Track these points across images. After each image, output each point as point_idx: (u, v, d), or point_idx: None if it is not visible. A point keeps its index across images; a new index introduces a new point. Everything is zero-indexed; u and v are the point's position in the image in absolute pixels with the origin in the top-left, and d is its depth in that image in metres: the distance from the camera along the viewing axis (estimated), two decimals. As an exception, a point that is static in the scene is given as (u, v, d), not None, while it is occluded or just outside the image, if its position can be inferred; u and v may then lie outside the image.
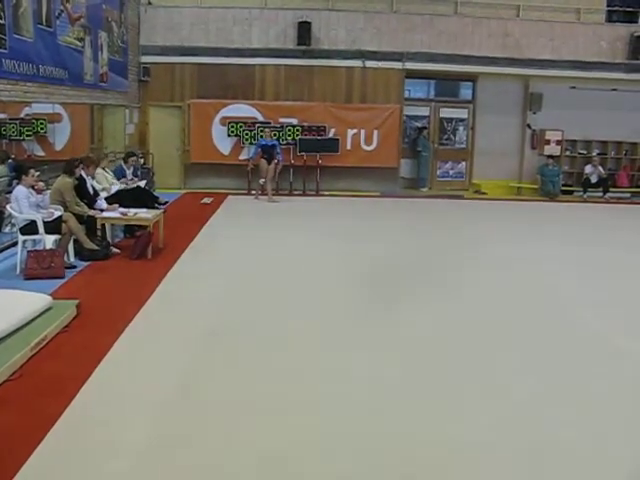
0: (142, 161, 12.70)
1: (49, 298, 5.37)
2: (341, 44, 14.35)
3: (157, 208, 9.13)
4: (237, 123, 14.10)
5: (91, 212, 7.77)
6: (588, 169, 15.20)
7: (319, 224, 10.71)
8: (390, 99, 14.59)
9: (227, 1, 14.07)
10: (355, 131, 14.43)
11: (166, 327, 5.34)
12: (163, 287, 6.50)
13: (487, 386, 4.36)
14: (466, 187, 15.78)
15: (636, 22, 15.28)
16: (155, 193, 10.86)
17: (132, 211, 8.07)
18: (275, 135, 13.66)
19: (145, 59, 14.16)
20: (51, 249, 6.83)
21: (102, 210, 7.99)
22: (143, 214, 8.14)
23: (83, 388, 4.06)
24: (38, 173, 7.28)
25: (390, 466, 3.32)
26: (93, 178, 8.50)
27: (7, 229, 7.90)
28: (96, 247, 7.51)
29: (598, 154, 15.62)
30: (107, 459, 3.29)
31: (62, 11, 9.69)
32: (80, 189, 7.89)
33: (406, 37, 14.32)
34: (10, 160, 8.84)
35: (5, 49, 7.84)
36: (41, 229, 6.98)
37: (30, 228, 7.01)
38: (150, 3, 14.18)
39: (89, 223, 7.71)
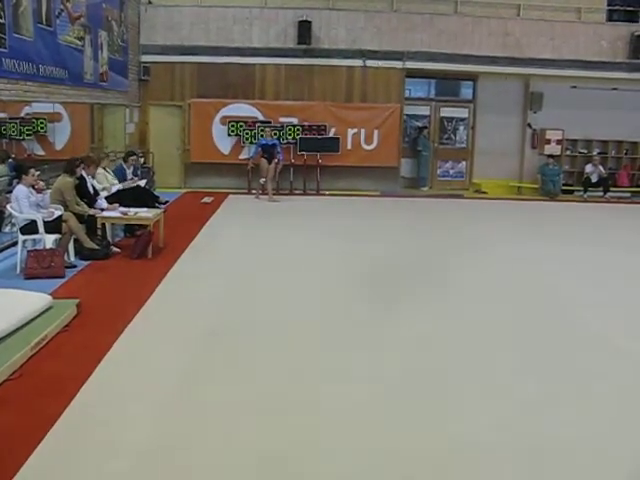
0: (142, 160, 12.68)
1: (49, 297, 5.38)
2: (341, 43, 14.34)
3: (157, 207, 9.13)
4: (237, 122, 14.09)
5: (91, 211, 7.78)
6: (588, 168, 15.18)
7: (319, 223, 10.71)
8: (390, 98, 14.58)
9: (227, 0, 14.05)
10: (355, 130, 14.42)
11: (166, 327, 5.34)
12: (163, 287, 6.50)
13: (487, 386, 4.36)
14: (466, 187, 15.77)
15: (637, 21, 15.25)
16: (155, 192, 10.87)
17: (132, 210, 8.08)
18: (275, 134, 13.65)
19: (145, 58, 14.15)
20: (51, 248, 6.83)
21: (102, 209, 7.99)
22: (143, 213, 8.14)
23: (83, 388, 4.06)
24: (38, 173, 7.27)
25: (390, 466, 3.32)
26: (93, 178, 8.49)
27: (7, 229, 7.91)
28: (96, 246, 7.51)
29: (598, 153, 15.61)
30: (107, 459, 3.29)
31: (62, 10, 9.68)
32: (80, 189, 7.89)
33: (406, 36, 14.31)
34: (10, 159, 8.85)
35: (5, 48, 7.83)
36: (41, 229, 6.97)
37: (30, 228, 7.01)
38: (150, 2, 14.17)
39: (89, 222, 7.71)
